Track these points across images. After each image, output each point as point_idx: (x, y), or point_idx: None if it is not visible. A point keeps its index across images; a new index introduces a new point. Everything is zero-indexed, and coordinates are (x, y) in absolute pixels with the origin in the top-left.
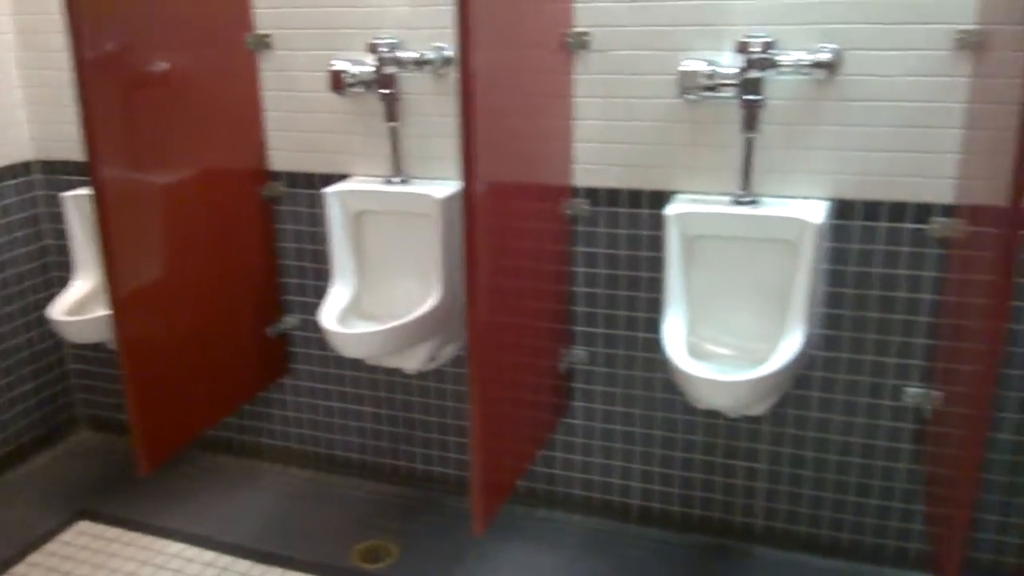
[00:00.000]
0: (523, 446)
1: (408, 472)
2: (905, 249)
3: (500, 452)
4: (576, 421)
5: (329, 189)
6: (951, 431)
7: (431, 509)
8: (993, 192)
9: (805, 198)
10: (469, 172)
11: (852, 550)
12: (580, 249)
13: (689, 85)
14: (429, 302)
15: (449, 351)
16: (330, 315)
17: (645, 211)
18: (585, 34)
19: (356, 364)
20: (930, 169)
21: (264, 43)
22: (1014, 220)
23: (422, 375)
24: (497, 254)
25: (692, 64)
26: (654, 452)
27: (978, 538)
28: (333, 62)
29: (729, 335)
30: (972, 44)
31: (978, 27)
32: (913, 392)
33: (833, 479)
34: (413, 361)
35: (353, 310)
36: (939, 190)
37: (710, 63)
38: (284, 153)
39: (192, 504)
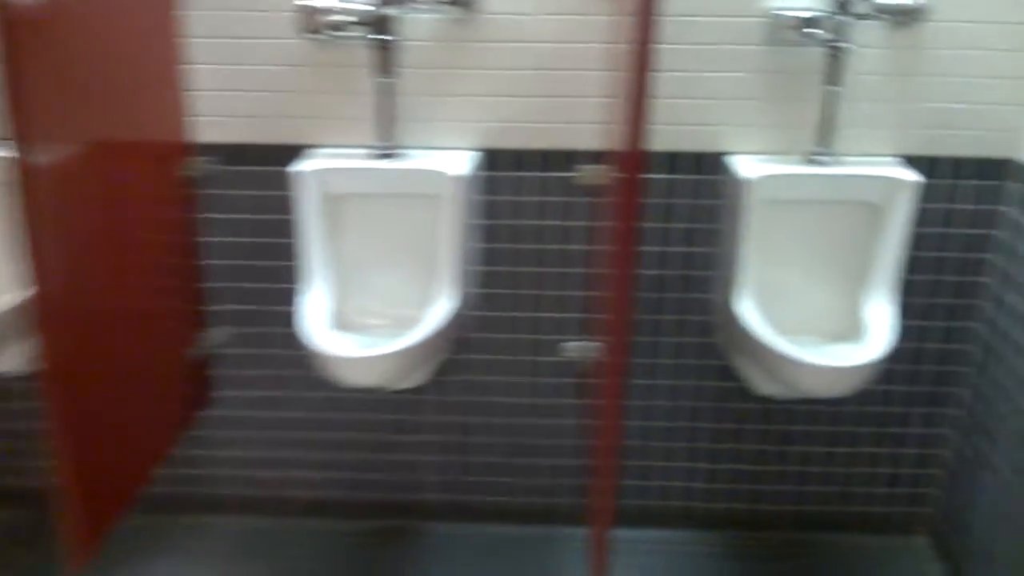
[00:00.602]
0: (144, 451)
1: (16, 491)
2: (555, 199)
3: (105, 463)
4: (221, 412)
5: None
6: (601, 381)
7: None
8: (621, 136)
9: (451, 149)
10: (22, 135)
11: (527, 513)
12: (209, 216)
13: (311, 23)
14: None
15: None
16: None
17: (279, 169)
18: None
19: None
20: (575, 114)
21: None
22: (635, 163)
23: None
24: (84, 230)
25: None
26: (313, 437)
27: (628, 485)
28: None
29: (380, 302)
30: None
31: None
32: (572, 346)
33: (503, 443)
34: None
35: None
36: (585, 136)
37: None
38: None
39: None
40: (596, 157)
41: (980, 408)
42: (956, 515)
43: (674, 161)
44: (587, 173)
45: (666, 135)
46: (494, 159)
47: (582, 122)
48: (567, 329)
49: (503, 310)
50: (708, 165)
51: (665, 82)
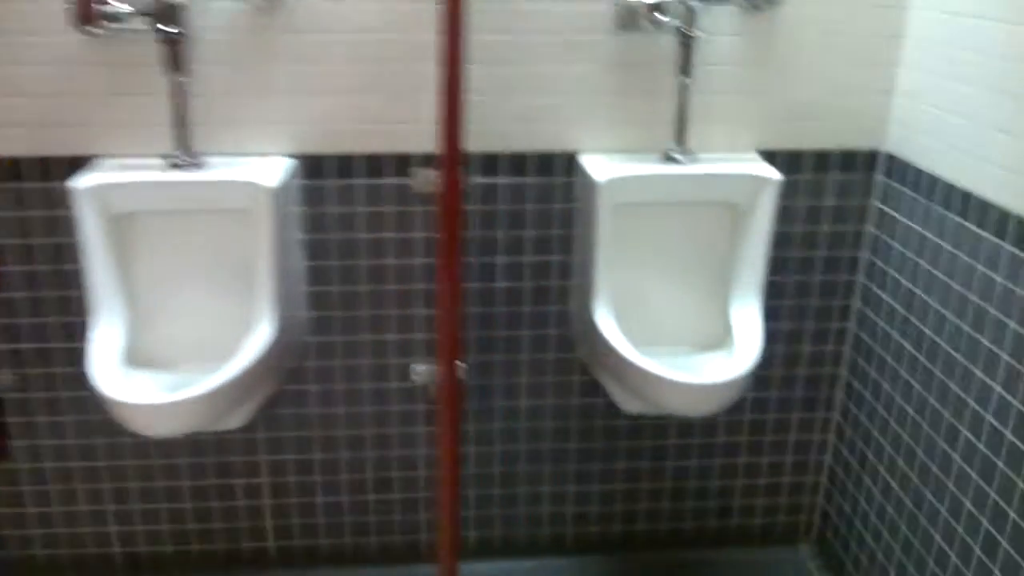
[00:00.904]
0: None
1: None
2: (390, 209)
3: None
4: (20, 465)
5: None
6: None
7: None
8: (438, 136)
9: (263, 155)
10: None
11: (383, 553)
12: None
13: (85, 14)
14: None
15: None
16: None
17: (62, 184)
18: None
19: None
20: (408, 113)
21: None
22: (452, 166)
23: None
24: None
25: None
26: (128, 487)
27: (493, 514)
28: None
29: (187, 335)
30: None
31: None
32: (420, 369)
33: (349, 480)
34: None
35: None
36: (421, 137)
37: None
38: None
39: None
40: (433, 160)
41: (855, 410)
42: (840, 523)
43: (522, 163)
44: (423, 178)
45: (511, 135)
46: (316, 166)
47: (416, 121)
48: (414, 351)
49: (339, 334)
50: (560, 166)
51: (507, 76)
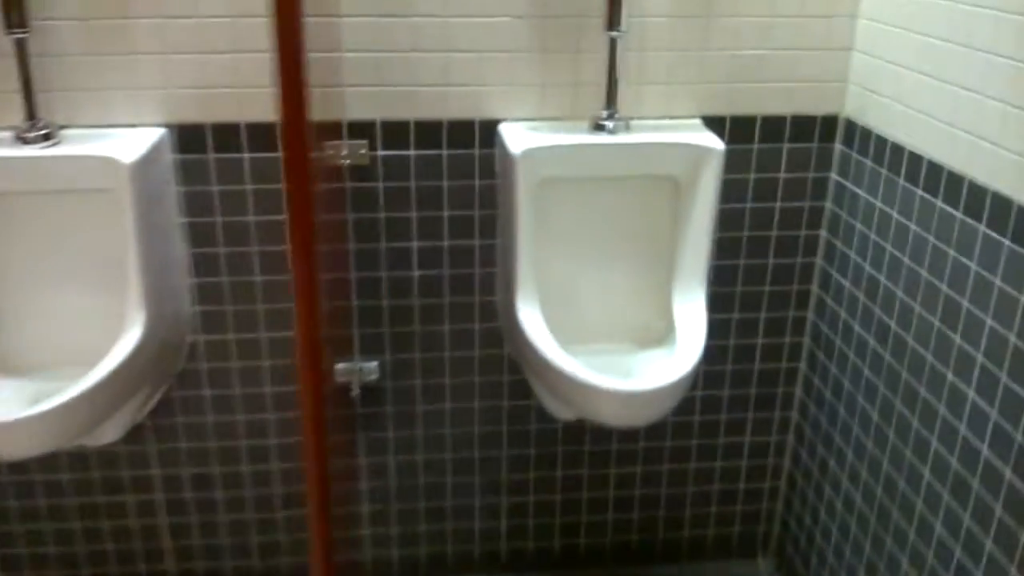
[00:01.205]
0: None
1: None
2: (274, 187)
3: None
4: None
5: None
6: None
7: None
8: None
9: (133, 126)
10: None
11: (293, 575)
12: None
13: None
14: None
15: None
16: None
17: None
18: None
19: None
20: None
21: None
22: (297, 134)
23: None
24: None
25: None
26: (9, 505)
27: (419, 531)
28: None
29: (50, 333)
30: None
31: None
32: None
33: (253, 495)
34: None
35: None
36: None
37: None
38: None
39: None
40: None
41: (815, 410)
42: (800, 535)
43: (436, 132)
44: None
45: (421, 99)
46: (195, 137)
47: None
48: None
49: (233, 332)
50: (480, 137)
51: (412, 28)
